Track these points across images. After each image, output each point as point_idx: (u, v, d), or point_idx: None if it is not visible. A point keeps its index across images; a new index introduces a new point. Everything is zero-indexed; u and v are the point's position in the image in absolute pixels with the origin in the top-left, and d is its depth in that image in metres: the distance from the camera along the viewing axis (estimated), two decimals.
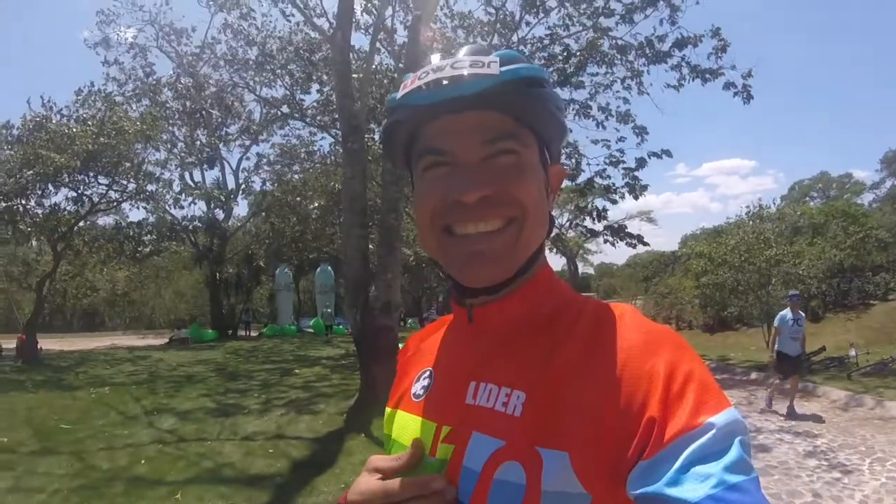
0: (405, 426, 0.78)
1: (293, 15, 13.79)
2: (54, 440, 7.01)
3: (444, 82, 0.65)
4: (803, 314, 8.61)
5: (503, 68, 0.66)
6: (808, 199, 48.91)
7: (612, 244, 15.24)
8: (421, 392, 0.79)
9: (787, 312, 8.44)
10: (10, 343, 15.31)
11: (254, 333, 27.28)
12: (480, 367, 0.72)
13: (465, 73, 0.65)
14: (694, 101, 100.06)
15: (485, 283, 0.69)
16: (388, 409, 0.87)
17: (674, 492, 0.52)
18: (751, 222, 27.27)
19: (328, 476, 5.59)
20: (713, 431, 0.54)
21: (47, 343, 18.24)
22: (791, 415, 8.13)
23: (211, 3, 14.00)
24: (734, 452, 0.54)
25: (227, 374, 12.43)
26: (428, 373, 0.81)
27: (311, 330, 27.28)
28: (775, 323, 8.60)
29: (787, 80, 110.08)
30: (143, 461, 6.14)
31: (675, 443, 0.54)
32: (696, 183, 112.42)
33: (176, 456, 6.35)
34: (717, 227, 38.44)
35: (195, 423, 7.83)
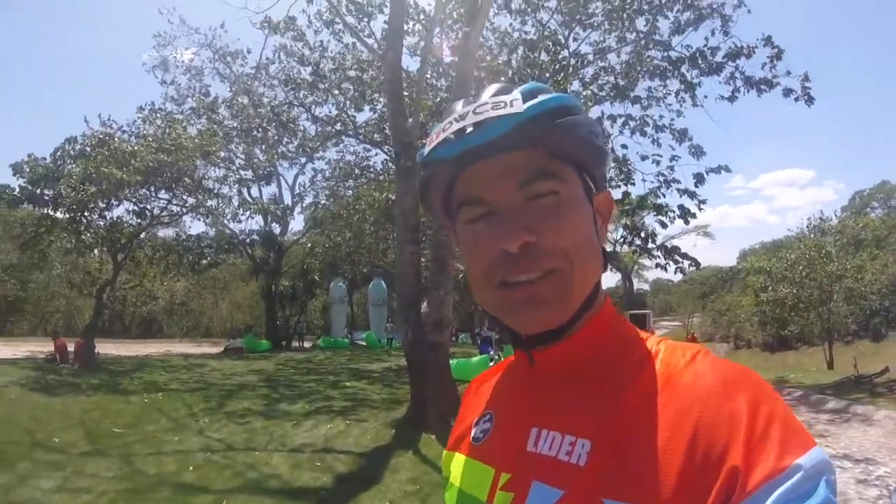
0: (463, 470, 0.76)
1: (343, 35, 14.07)
2: (105, 443, 7.16)
3: (469, 130, 0.64)
4: None
5: (527, 104, 0.63)
6: (868, 209, 46.77)
7: (664, 268, 14.89)
8: (480, 436, 0.77)
9: None
10: (70, 347, 15.82)
11: (307, 345, 27.75)
12: (542, 413, 0.70)
13: (488, 116, 0.63)
14: (748, 111, 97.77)
15: (538, 328, 0.67)
16: (445, 452, 0.85)
17: None
18: (811, 235, 26.28)
19: (373, 492, 5.51)
20: (801, 474, 0.52)
21: (105, 347, 18.82)
22: None
23: (265, 25, 14.38)
24: (821, 493, 0.51)
25: (279, 385, 12.54)
26: (488, 416, 0.79)
27: (364, 343, 27.59)
28: None
29: (843, 87, 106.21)
30: (190, 468, 6.21)
31: (760, 489, 0.51)
32: (752, 195, 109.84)
33: (223, 465, 6.39)
34: (777, 240, 37.33)
35: (244, 432, 7.88)
